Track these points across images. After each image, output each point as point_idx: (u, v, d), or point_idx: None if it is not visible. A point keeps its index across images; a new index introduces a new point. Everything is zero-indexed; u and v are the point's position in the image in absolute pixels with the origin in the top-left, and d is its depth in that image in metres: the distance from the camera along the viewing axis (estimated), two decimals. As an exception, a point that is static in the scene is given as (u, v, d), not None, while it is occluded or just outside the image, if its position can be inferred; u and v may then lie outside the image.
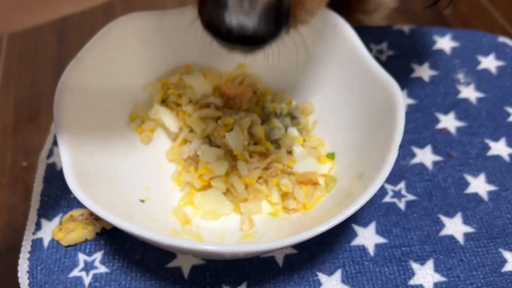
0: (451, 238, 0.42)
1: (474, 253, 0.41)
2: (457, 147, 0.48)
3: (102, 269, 0.39)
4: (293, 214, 0.41)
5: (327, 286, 0.39)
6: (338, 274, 0.40)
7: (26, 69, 0.69)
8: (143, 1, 0.81)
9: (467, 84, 0.53)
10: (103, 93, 0.41)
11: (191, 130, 0.45)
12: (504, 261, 0.40)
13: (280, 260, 0.40)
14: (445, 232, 0.42)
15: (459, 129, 0.49)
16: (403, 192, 0.45)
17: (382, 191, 0.44)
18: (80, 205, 0.43)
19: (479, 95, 0.52)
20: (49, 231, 0.41)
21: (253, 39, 0.26)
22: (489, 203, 0.44)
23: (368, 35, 0.56)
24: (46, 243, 0.41)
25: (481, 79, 0.54)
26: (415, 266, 0.40)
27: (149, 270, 0.39)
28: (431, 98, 0.52)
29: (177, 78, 0.46)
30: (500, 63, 0.55)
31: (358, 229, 0.42)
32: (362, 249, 0.41)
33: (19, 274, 0.39)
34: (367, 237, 0.42)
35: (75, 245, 0.40)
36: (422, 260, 0.40)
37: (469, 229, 0.42)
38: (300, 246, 0.41)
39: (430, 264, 0.40)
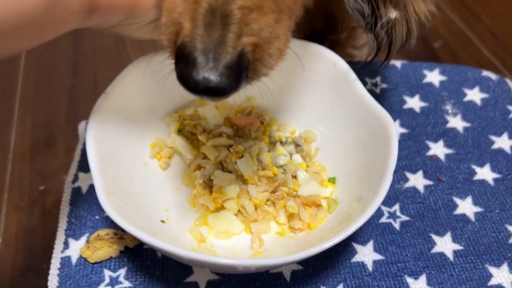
0: (441, 255, 0.46)
1: (463, 269, 0.45)
2: (446, 172, 0.53)
3: (126, 284, 0.43)
4: (299, 233, 0.45)
5: (330, 299, 0.43)
6: (340, 288, 0.44)
7: (41, 98, 0.73)
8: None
9: (455, 114, 0.58)
10: (127, 124, 0.46)
11: (205, 157, 0.49)
12: (490, 276, 0.44)
13: (287, 276, 0.44)
14: (436, 249, 0.46)
15: (447, 156, 0.54)
16: (398, 213, 0.49)
17: (378, 212, 0.49)
18: (105, 225, 0.47)
19: (466, 124, 0.57)
20: (76, 249, 0.45)
21: (216, 91, 0.31)
22: (476, 223, 0.48)
23: (364, 69, 0.61)
24: (74, 260, 0.44)
25: (467, 110, 0.59)
26: (409, 280, 0.44)
27: (169, 285, 0.43)
28: (422, 127, 0.57)
29: (192, 110, 0.51)
30: (484, 95, 0.60)
31: (357, 247, 0.46)
32: (362, 265, 0.45)
33: (49, 289, 0.43)
34: (366, 254, 0.46)
35: (101, 262, 0.44)
36: (415, 275, 0.44)
37: (458, 247, 0.46)
38: (306, 263, 0.45)
39: (423, 278, 0.44)
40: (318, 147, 0.52)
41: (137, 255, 0.45)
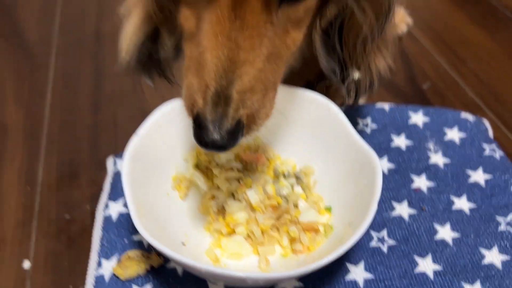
0: (423, 274, 0.52)
1: (442, 286, 0.51)
2: (428, 202, 0.59)
3: (152, 297, 0.50)
4: (300, 254, 0.52)
5: (327, 312, 0.49)
6: (335, 303, 0.50)
7: (66, 135, 0.77)
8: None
9: (436, 151, 0.65)
10: (153, 160, 0.54)
11: (218, 188, 0.57)
12: (464, 292, 0.51)
13: (289, 291, 0.51)
14: (418, 269, 0.53)
15: (429, 188, 0.61)
16: (386, 238, 0.56)
17: (369, 237, 0.56)
18: (133, 247, 0.54)
19: (446, 160, 0.64)
20: (108, 267, 0.52)
21: (220, 148, 0.42)
22: (453, 247, 0.55)
23: (356, 112, 0.69)
24: (107, 278, 0.51)
25: (447, 147, 0.66)
26: (395, 296, 0.50)
27: (188, 299, 0.50)
28: (407, 163, 0.64)
29: (207, 147, 0.59)
30: (462, 134, 0.68)
31: (350, 266, 0.53)
32: (354, 282, 0.52)
33: (85, 305, 0.49)
34: (358, 273, 0.52)
35: (130, 279, 0.51)
36: (401, 292, 0.51)
37: (437, 267, 0.53)
38: (305, 280, 0.51)
39: (407, 294, 0.51)
40: (316, 180, 0.59)
41: (160, 273, 0.52)
